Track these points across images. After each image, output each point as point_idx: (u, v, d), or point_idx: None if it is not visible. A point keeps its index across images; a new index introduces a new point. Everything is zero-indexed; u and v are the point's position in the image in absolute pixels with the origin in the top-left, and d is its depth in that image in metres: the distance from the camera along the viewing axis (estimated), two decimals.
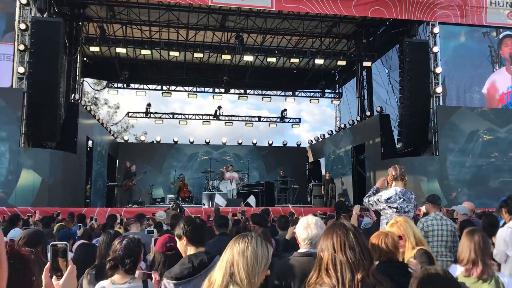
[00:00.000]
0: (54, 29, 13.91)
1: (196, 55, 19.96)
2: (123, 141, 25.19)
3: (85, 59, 21.12)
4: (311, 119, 59.11)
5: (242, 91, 25.07)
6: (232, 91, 25.11)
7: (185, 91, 24.46)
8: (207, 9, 17.79)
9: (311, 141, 25.61)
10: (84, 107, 17.23)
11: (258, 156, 24.31)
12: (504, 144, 15.79)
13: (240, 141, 24.79)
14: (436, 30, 15.98)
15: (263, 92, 25.25)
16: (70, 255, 1.82)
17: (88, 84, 24.49)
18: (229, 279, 2.06)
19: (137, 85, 23.90)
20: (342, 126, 21.62)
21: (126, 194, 17.83)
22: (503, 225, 5.08)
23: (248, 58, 19.99)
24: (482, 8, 16.26)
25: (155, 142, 24.37)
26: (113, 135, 23.22)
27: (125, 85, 23.75)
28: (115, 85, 23.85)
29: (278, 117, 26.56)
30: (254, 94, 25.72)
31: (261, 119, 26.80)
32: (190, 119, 25.84)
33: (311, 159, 25.21)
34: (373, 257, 2.23)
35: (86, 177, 17.53)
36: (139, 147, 24.20)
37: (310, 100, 25.34)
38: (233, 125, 25.90)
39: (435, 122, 15.72)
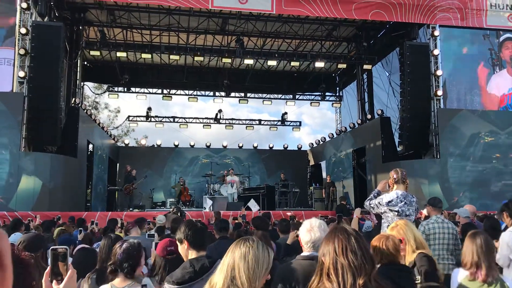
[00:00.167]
0: (55, 33, 13.92)
1: (196, 58, 19.98)
2: (123, 145, 25.20)
3: (85, 63, 21.15)
4: (312, 122, 59.15)
5: (242, 94, 25.07)
6: (232, 94, 25.12)
7: (186, 94, 24.48)
8: (207, 13, 17.82)
9: (312, 144, 25.60)
10: (85, 111, 17.24)
11: (258, 159, 24.29)
12: (505, 146, 15.76)
13: (240, 145, 24.78)
14: (437, 32, 15.99)
15: (264, 95, 25.27)
16: (70, 260, 1.82)
17: (89, 88, 24.57)
18: (230, 283, 2.05)
19: (137, 89, 23.94)
20: (343, 129, 21.61)
21: (126, 198, 17.81)
22: (504, 229, 5.06)
23: (249, 61, 19.99)
24: (482, 11, 16.27)
25: (155, 146, 24.36)
26: (113, 139, 23.23)
27: (125, 89, 23.78)
28: (116, 89, 23.86)
29: (278, 121, 26.57)
30: (254, 98, 25.73)
31: (262, 122, 26.82)
32: (191, 122, 25.85)
33: (312, 162, 25.18)
34: (375, 261, 2.22)
35: (87, 181, 17.52)
36: (139, 151, 24.20)
37: (311, 103, 25.35)
38: (234, 128, 25.92)
39: (436, 125, 15.71)
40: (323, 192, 19.39)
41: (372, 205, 5.62)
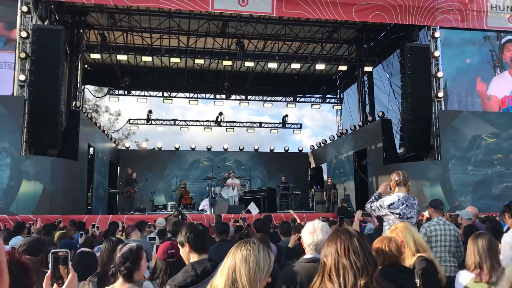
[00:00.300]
0: (55, 36, 13.93)
1: (197, 61, 19.99)
2: (124, 148, 25.19)
3: (86, 66, 21.17)
4: (313, 124, 59.16)
5: (243, 97, 25.09)
6: (233, 97, 25.14)
7: (186, 97, 24.49)
8: (207, 16, 17.84)
9: (313, 146, 25.59)
10: (85, 114, 17.24)
11: (259, 162, 24.28)
12: (507, 147, 15.74)
13: (241, 147, 24.77)
14: (437, 34, 15.98)
15: (264, 98, 25.29)
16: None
17: (89, 91, 24.57)
18: (231, 285, 2.05)
19: (138, 92, 23.95)
20: (344, 131, 21.61)
21: (127, 201, 17.79)
22: (507, 230, 5.04)
23: (249, 64, 20.02)
24: (482, 12, 16.27)
25: (156, 148, 24.37)
26: (114, 142, 23.22)
27: (126, 92, 23.80)
28: (116, 92, 23.88)
29: (279, 123, 26.58)
30: (255, 100, 25.76)
31: (263, 125, 26.82)
32: (192, 125, 25.88)
33: (313, 165, 25.18)
34: (377, 263, 2.21)
35: (88, 185, 17.51)
36: (140, 154, 24.20)
37: (312, 105, 25.37)
38: (235, 131, 25.93)
39: (437, 127, 15.69)
40: (324, 195, 19.38)
41: (373, 208, 5.60)
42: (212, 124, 25.47)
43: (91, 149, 18.13)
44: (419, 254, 3.69)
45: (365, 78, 21.34)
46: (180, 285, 2.97)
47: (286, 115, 25.88)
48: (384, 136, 16.90)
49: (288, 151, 25.52)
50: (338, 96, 25.67)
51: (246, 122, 26.89)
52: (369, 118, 19.50)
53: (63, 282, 1.78)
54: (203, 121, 25.89)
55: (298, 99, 25.68)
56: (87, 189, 17.53)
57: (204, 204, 16.12)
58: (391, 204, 5.37)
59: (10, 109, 13.65)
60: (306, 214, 15.05)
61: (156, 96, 24.23)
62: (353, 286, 2.04)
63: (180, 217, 9.90)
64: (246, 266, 2.05)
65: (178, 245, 3.29)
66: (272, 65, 20.53)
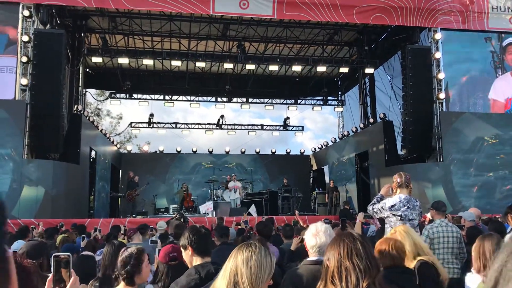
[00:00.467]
0: (57, 40, 13.96)
1: (198, 64, 20.01)
2: (126, 151, 25.21)
3: (87, 70, 21.21)
4: (314, 127, 59.25)
5: (244, 99, 25.09)
6: (234, 99, 25.13)
7: (188, 100, 24.51)
8: (208, 19, 17.85)
9: (315, 149, 25.58)
10: (87, 118, 17.26)
11: (261, 164, 24.29)
12: (509, 148, 15.70)
13: (243, 150, 24.78)
14: (438, 36, 15.96)
15: (266, 100, 25.27)
16: None
17: (91, 95, 24.62)
18: None
19: (139, 95, 23.99)
20: (345, 133, 21.60)
21: (129, 204, 17.80)
22: (510, 231, 5.03)
23: (250, 66, 20.02)
24: (483, 14, 16.26)
25: (158, 152, 24.38)
26: (116, 145, 23.23)
27: (127, 95, 23.82)
28: (118, 95, 23.90)
29: (281, 125, 26.57)
30: (256, 103, 25.72)
31: (264, 127, 26.82)
32: (193, 128, 25.88)
33: (314, 167, 25.17)
34: (379, 266, 2.21)
35: (90, 188, 17.52)
36: (142, 157, 24.22)
37: (313, 107, 25.37)
38: (236, 134, 25.94)
39: (439, 128, 15.67)
40: (326, 197, 19.37)
41: (375, 210, 5.59)
42: (214, 127, 25.49)
43: (93, 153, 18.15)
44: (420, 258, 3.68)
45: (366, 80, 21.34)
46: None
47: (288, 118, 25.88)
48: (386, 138, 16.88)
49: (290, 153, 25.51)
50: (339, 98, 25.66)
51: (248, 125, 26.88)
52: (371, 120, 19.48)
53: (65, 286, 1.78)
54: (205, 124, 25.89)
55: (299, 101, 25.68)
56: (89, 192, 17.54)
57: (208, 206, 16.09)
58: (392, 206, 5.36)
59: (12, 113, 13.68)
60: (308, 216, 15.06)
61: (157, 99, 24.26)
62: (355, 287, 2.04)
63: (182, 220, 9.89)
64: (247, 269, 2.04)
65: (181, 248, 3.28)
66: (273, 68, 20.52)
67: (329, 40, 20.46)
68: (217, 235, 5.74)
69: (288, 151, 25.55)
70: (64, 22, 16.98)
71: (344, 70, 20.86)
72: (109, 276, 3.52)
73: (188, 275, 3.03)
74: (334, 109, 25.80)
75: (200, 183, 21.99)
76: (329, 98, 25.58)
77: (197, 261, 3.14)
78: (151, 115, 24.57)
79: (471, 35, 16.67)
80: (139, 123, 25.43)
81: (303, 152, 25.96)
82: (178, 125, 25.82)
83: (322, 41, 20.33)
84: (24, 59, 13.73)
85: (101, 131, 19.70)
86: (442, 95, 15.78)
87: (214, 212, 15.46)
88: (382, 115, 17.82)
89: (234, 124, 26.34)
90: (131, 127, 25.83)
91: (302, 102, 25.82)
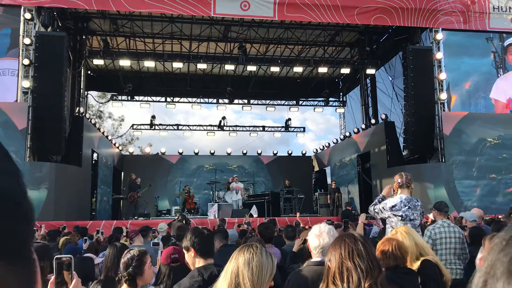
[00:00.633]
0: (58, 43, 13.97)
1: (199, 66, 20.02)
2: (128, 153, 25.22)
3: (89, 72, 21.24)
4: (316, 128, 59.20)
5: (246, 101, 25.10)
6: (236, 101, 25.15)
7: (189, 102, 24.53)
8: (209, 21, 17.86)
9: (316, 150, 25.56)
10: (89, 120, 17.27)
11: (263, 166, 24.28)
12: (511, 148, 15.67)
13: (244, 151, 24.78)
14: (439, 36, 15.94)
15: (267, 101, 25.29)
16: None
17: (93, 97, 24.61)
18: None
19: (141, 97, 24.02)
20: (347, 134, 21.57)
21: (131, 206, 17.79)
22: None
23: (251, 68, 20.02)
24: (485, 14, 16.24)
25: (160, 153, 24.39)
26: (118, 147, 23.25)
27: (129, 97, 23.85)
28: (119, 97, 23.94)
29: (282, 127, 26.57)
30: (258, 104, 25.74)
31: (266, 128, 26.82)
32: (195, 130, 25.89)
33: (316, 168, 25.15)
34: (381, 267, 2.21)
35: (92, 190, 17.51)
36: (144, 159, 24.20)
37: (314, 109, 25.36)
38: (238, 135, 25.96)
39: (441, 129, 15.64)
40: (328, 198, 19.33)
41: (376, 210, 5.59)
42: (215, 128, 25.50)
43: (95, 155, 18.15)
44: (423, 258, 3.67)
45: (368, 81, 21.32)
46: None
47: (289, 119, 25.88)
48: (388, 138, 16.86)
49: (292, 154, 25.50)
50: (341, 99, 25.66)
51: (249, 126, 26.91)
52: (372, 121, 19.46)
53: None
54: (206, 125, 25.91)
55: (300, 102, 25.68)
56: (91, 194, 17.53)
57: (214, 210, 16.08)
58: (393, 206, 5.35)
59: (14, 116, 13.70)
60: (310, 217, 15.03)
61: (159, 101, 24.28)
62: (357, 287, 2.03)
63: (184, 221, 9.89)
64: (249, 270, 2.04)
65: (183, 250, 3.28)
66: (275, 69, 20.54)
67: (330, 41, 20.47)
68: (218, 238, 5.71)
69: (289, 152, 25.55)
70: (65, 25, 17.01)
71: (345, 71, 20.85)
72: (111, 278, 3.52)
73: (191, 277, 3.02)
74: (336, 110, 25.80)
75: (201, 185, 22.00)
76: (330, 99, 25.58)
77: (200, 262, 3.13)
78: (153, 117, 24.60)
79: (473, 35, 16.64)
80: (140, 125, 25.44)
81: (305, 153, 25.94)
82: (180, 127, 25.82)
83: (323, 42, 20.34)
84: (26, 61, 13.75)
85: (103, 133, 19.71)
86: (443, 96, 15.77)
87: (217, 214, 15.48)
88: (383, 116, 17.79)
89: (236, 126, 26.37)
90: (133, 129, 25.84)
91: (304, 103, 25.82)
